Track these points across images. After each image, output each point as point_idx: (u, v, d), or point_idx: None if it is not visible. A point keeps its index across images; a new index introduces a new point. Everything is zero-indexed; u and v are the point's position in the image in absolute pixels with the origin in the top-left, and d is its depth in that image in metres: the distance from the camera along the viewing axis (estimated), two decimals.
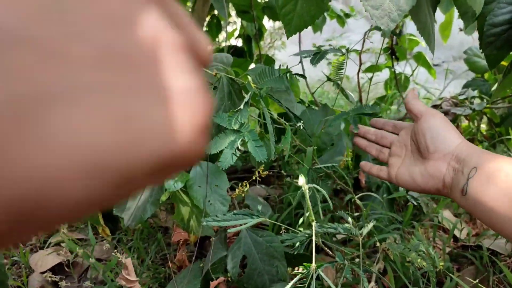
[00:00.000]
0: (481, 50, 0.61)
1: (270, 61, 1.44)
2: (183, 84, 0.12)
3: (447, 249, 0.95)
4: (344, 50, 0.90)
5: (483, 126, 1.61)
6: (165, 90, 0.12)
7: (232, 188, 1.02)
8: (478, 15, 0.59)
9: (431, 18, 0.60)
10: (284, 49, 2.96)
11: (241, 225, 0.56)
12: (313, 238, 0.45)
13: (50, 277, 0.88)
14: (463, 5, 0.56)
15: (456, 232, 1.03)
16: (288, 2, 0.59)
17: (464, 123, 1.59)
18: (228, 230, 0.61)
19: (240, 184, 0.72)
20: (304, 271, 0.42)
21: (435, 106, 1.40)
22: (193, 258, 0.85)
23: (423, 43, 1.80)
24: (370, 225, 0.54)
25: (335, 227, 0.51)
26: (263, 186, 1.21)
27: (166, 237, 1.05)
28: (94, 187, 0.11)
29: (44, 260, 0.96)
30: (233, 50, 1.54)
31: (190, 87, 0.13)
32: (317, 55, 0.82)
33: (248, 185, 0.71)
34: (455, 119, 1.35)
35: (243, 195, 0.75)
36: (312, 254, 0.45)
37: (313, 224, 0.46)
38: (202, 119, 0.13)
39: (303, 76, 0.75)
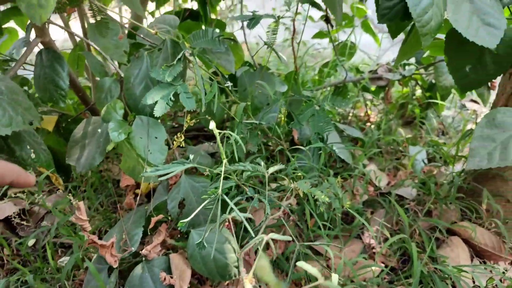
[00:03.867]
0: (378, 21, 0.72)
1: (221, 25, 1.50)
2: None
3: (365, 196, 1.11)
4: (275, 17, 0.98)
5: (419, 92, 1.76)
6: None
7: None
8: None
9: None
10: (246, 12, 2.99)
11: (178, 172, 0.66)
12: (222, 173, 0.56)
13: (13, 219, 0.96)
14: None
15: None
16: None
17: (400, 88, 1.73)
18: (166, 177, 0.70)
19: (175, 137, 0.82)
20: (212, 196, 0.53)
21: (372, 71, 1.53)
22: (141, 204, 0.95)
23: (369, 12, 1.90)
24: (276, 167, 0.66)
25: (244, 165, 0.62)
26: (211, 143, 1.31)
27: (118, 188, 1.15)
28: None
29: (1, 208, 1.04)
30: (188, 13, 1.57)
31: None
32: (252, 20, 0.91)
33: (182, 137, 0.80)
34: (387, 84, 1.49)
35: (181, 146, 0.85)
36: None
37: (224, 162, 0.57)
38: None
39: (234, 40, 0.84)
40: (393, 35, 0.81)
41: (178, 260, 0.80)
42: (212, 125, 0.54)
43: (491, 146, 0.68)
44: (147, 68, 0.82)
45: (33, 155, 0.80)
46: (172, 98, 0.70)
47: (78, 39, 1.20)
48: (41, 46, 0.93)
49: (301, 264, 0.23)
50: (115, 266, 0.75)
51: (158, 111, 0.68)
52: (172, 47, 0.83)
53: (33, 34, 0.91)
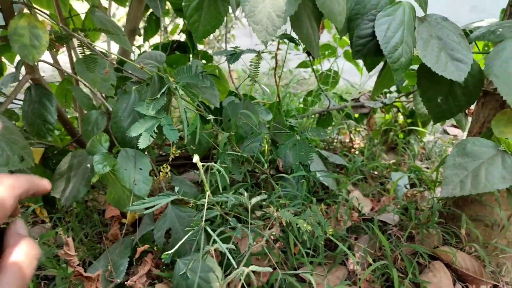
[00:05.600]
0: (352, 57, 0.76)
1: (207, 57, 1.55)
2: None
3: (349, 223, 1.12)
4: (256, 51, 1.02)
5: (402, 118, 1.82)
6: None
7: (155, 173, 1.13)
8: (349, 29, 0.73)
9: (314, 29, 0.74)
10: (234, 42, 3.07)
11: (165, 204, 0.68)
12: (205, 205, 0.58)
13: None
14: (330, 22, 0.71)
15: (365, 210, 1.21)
16: (194, 13, 0.71)
17: (382, 115, 1.79)
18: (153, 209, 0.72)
19: (162, 167, 0.84)
20: (195, 228, 0.55)
21: (354, 100, 1.58)
22: (127, 234, 0.96)
23: None
24: (259, 197, 0.68)
25: (226, 196, 0.64)
26: (197, 171, 1.32)
27: (104, 218, 1.15)
28: None
29: None
30: (176, 44, 1.61)
31: None
32: (234, 55, 0.95)
33: (168, 167, 0.82)
34: (370, 112, 1.54)
35: (167, 176, 0.86)
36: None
37: (207, 193, 0.59)
38: None
39: (216, 76, 0.87)
40: (369, 68, 0.86)
41: None
42: (196, 158, 0.57)
43: (463, 174, 0.71)
44: (134, 102, 0.85)
45: None
46: (156, 130, 0.72)
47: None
48: (30, 82, 0.95)
49: None
50: None
51: (142, 143, 0.70)
52: (159, 82, 0.86)
53: (22, 70, 0.94)
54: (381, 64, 1.00)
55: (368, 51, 0.74)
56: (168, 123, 0.72)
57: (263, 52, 0.98)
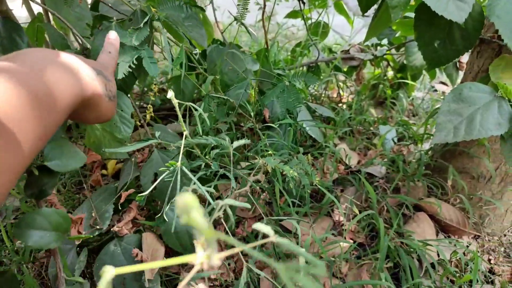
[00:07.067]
0: None
1: None
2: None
3: (335, 175, 1.11)
4: None
5: (391, 73, 1.78)
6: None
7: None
8: None
9: None
10: None
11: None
12: (182, 146, 0.54)
13: None
14: None
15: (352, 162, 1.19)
16: None
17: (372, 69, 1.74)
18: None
19: (147, 109, 0.78)
20: (170, 168, 0.51)
21: (344, 51, 1.52)
22: (107, 184, 0.91)
23: None
24: (242, 141, 0.64)
25: (206, 138, 0.60)
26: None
27: (82, 169, 1.10)
28: None
29: None
30: None
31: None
32: None
33: (151, 108, 0.77)
34: (359, 65, 1.49)
35: (149, 116, 0.81)
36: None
37: (185, 133, 0.55)
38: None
39: (201, 8, 0.80)
40: (364, 9, 0.80)
41: (151, 239, 0.78)
42: (170, 94, 0.52)
43: (457, 121, 0.69)
44: None
45: None
46: (135, 62, 0.66)
47: (36, 12, 1.12)
48: None
49: (256, 225, 0.21)
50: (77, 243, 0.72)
51: (120, 73, 0.64)
52: (142, 17, 0.79)
53: None
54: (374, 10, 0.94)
55: None
56: (149, 55, 0.67)
57: None
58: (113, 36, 0.54)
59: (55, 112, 0.33)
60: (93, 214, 0.76)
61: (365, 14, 0.93)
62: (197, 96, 1.36)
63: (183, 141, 0.54)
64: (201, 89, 0.95)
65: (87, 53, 0.80)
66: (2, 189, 0.27)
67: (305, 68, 1.49)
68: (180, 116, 0.52)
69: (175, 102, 0.52)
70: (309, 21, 1.60)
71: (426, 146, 1.24)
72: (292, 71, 1.48)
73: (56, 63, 0.36)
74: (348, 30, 1.84)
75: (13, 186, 0.28)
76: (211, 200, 0.54)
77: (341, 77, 1.77)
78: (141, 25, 0.68)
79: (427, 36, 0.79)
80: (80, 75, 0.39)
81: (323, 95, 1.63)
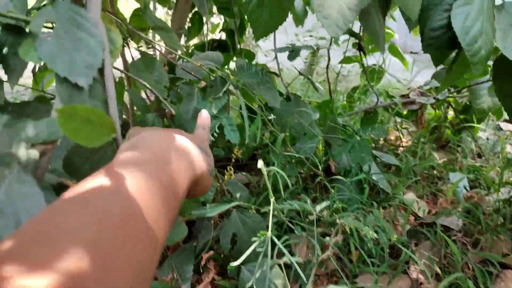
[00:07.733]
0: (422, 51, 0.70)
1: (249, 55, 1.51)
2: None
3: (407, 227, 1.06)
4: (314, 47, 0.98)
5: (451, 113, 1.72)
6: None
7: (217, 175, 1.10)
8: (420, 20, 0.68)
9: (380, 22, 0.69)
10: (269, 39, 3.04)
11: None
12: (271, 212, 0.54)
13: None
14: (405, 12, 0.65)
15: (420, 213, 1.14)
16: (255, 10, 0.67)
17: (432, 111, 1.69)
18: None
19: (226, 169, 0.81)
20: (260, 238, 0.52)
21: (403, 96, 1.50)
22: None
23: (396, 35, 1.89)
24: (323, 204, 0.63)
25: (291, 203, 0.60)
26: (244, 173, 1.30)
27: None
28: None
29: None
30: (216, 43, 1.59)
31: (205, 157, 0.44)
32: (293, 53, 0.91)
33: (232, 169, 0.79)
34: (420, 108, 1.46)
35: (231, 178, 0.84)
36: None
37: (272, 200, 0.56)
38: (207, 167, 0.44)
39: (276, 74, 0.84)
40: (436, 63, 0.80)
41: None
42: (260, 163, 0.53)
43: None
44: (197, 104, 0.83)
45: None
46: (217, 131, 0.69)
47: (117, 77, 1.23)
48: None
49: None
50: None
51: None
52: (222, 85, 0.83)
53: None
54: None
55: (441, 44, 0.68)
56: (229, 123, 0.69)
57: (319, 49, 0.93)
58: (205, 115, 0.57)
59: (178, 202, 0.35)
60: (175, 275, 0.77)
61: (415, 51, 0.92)
62: (258, 147, 1.38)
63: (271, 208, 0.55)
64: (265, 140, 0.98)
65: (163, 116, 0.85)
66: (145, 285, 0.28)
67: (362, 113, 1.48)
68: (268, 183, 0.53)
69: (264, 171, 0.53)
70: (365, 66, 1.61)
71: (503, 193, 1.16)
72: (351, 118, 1.48)
73: (174, 149, 0.38)
74: (399, 69, 1.83)
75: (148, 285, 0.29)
76: (299, 270, 0.53)
77: (398, 119, 1.73)
78: (221, 94, 0.71)
79: (507, 87, 0.76)
80: (192, 157, 0.41)
81: (381, 139, 1.60)
